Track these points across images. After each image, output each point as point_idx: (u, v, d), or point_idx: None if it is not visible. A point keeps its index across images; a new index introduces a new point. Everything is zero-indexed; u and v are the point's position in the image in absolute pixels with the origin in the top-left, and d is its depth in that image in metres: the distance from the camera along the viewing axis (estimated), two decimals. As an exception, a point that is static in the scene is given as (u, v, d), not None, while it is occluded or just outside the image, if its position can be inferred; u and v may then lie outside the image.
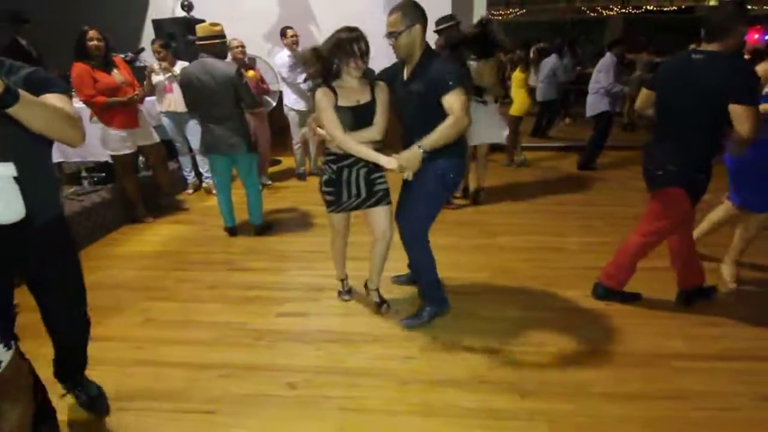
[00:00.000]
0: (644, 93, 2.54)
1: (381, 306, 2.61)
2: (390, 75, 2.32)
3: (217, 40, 3.36)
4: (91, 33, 3.45)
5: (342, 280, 2.78)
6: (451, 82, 2.01)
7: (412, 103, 2.20)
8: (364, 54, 2.09)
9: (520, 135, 5.88)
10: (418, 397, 1.97)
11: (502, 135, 4.28)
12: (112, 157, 3.80)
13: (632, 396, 1.95)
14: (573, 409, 1.89)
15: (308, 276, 3.04)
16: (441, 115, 2.05)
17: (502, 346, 2.28)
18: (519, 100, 5.55)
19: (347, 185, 2.31)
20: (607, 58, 5.18)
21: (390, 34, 2.11)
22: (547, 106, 7.24)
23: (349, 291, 2.79)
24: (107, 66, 3.58)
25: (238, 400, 1.97)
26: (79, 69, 3.41)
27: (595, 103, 5.23)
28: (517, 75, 5.54)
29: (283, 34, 4.80)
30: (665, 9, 15.02)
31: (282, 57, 4.79)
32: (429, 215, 2.35)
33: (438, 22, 4.10)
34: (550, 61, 6.87)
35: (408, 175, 2.08)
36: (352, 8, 5.96)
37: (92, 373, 2.16)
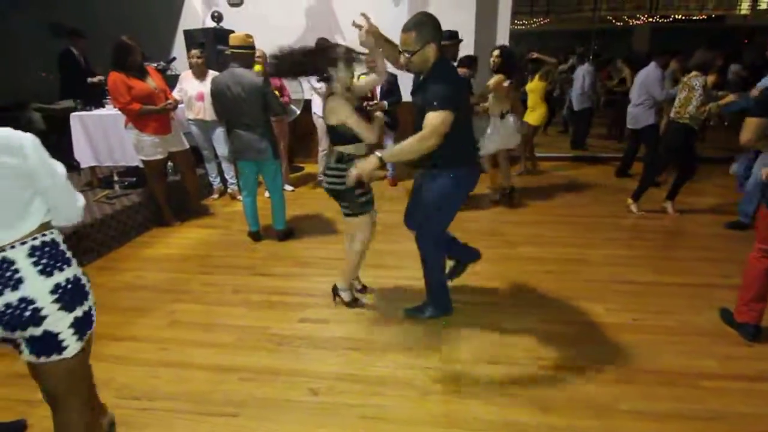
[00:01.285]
0: (755, 123, 2.32)
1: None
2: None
3: (249, 51, 3.49)
4: (125, 37, 3.62)
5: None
6: (435, 103, 2.07)
7: (416, 111, 2.27)
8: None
9: (532, 144, 5.82)
10: (440, 408, 1.95)
11: (513, 141, 4.42)
12: (144, 162, 3.92)
13: (662, 415, 1.90)
14: (598, 426, 1.84)
15: (330, 283, 3.04)
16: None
17: (524, 359, 2.25)
18: (538, 110, 5.49)
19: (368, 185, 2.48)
20: (653, 70, 4.88)
21: (404, 52, 2.18)
22: (580, 115, 7.13)
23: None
24: (141, 74, 3.72)
25: (261, 404, 1.99)
26: (115, 77, 3.56)
27: (639, 116, 4.98)
28: (536, 84, 5.47)
29: (317, 45, 4.90)
30: (694, 18, 14.72)
31: None
32: (440, 222, 2.40)
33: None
34: (584, 70, 6.76)
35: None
36: (378, 21, 6.01)
37: (119, 372, 2.23)
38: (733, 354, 2.28)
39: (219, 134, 4.55)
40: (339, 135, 2.41)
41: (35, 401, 2.03)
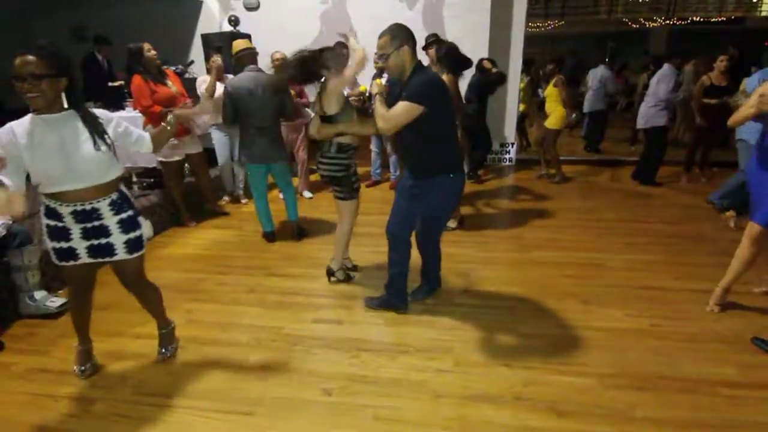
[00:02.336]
0: None
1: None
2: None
3: (253, 51, 3.66)
4: (147, 45, 3.71)
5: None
6: (404, 93, 2.24)
7: None
8: None
9: (554, 150, 5.74)
10: (453, 411, 1.95)
11: None
12: (162, 163, 4.00)
13: (679, 423, 1.86)
14: (614, 433, 1.82)
15: (343, 284, 3.07)
16: (420, 129, 2.27)
17: (540, 364, 2.23)
18: (556, 114, 5.44)
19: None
20: (666, 70, 5.03)
21: (380, 57, 2.31)
22: (593, 117, 7.07)
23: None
24: (161, 77, 3.82)
25: (276, 404, 2.01)
26: (138, 81, 3.66)
27: (652, 116, 5.06)
28: (551, 89, 5.45)
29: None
30: (712, 20, 14.46)
31: None
32: (401, 221, 2.53)
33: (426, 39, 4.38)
34: (599, 72, 6.71)
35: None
36: (390, 22, 6.04)
37: (137, 370, 2.28)
38: (753, 362, 2.23)
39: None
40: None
41: (57, 396, 2.09)
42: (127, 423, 1.94)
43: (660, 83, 5.01)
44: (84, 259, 1.94)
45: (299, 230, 3.93)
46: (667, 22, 14.66)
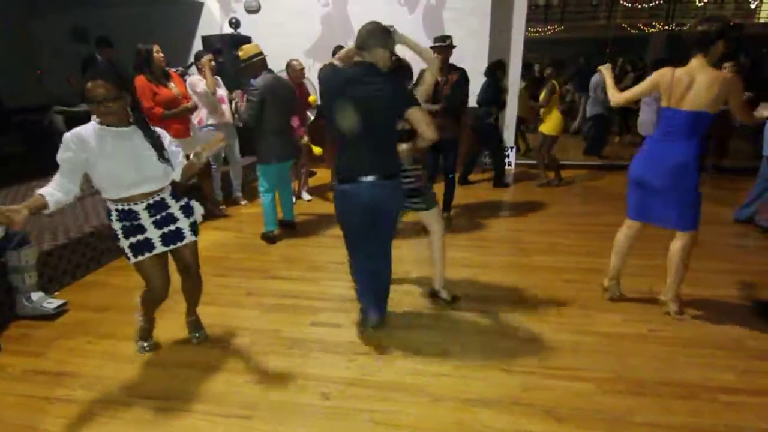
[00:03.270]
0: None
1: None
2: None
3: (263, 57, 3.66)
4: (156, 47, 3.75)
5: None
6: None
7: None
8: None
9: (553, 155, 5.76)
10: (451, 415, 1.94)
11: None
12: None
13: (677, 429, 1.86)
14: (613, 439, 1.82)
15: (341, 287, 3.06)
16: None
17: (538, 368, 2.22)
18: (550, 121, 5.45)
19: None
20: None
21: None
22: (592, 122, 7.07)
23: None
24: (166, 79, 3.84)
25: (273, 407, 2.00)
26: (141, 82, 3.68)
27: (646, 123, 5.12)
28: (544, 96, 5.45)
29: (335, 54, 4.96)
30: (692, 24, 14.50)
31: None
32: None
33: (435, 40, 4.19)
34: (598, 77, 6.72)
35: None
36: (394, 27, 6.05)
37: (135, 372, 2.26)
38: (751, 368, 2.23)
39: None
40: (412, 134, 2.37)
41: (53, 398, 2.08)
42: (122, 425, 1.93)
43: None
44: (158, 248, 2.12)
45: (291, 224, 4.08)
46: (666, 27, 14.73)
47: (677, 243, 2.58)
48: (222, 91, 4.46)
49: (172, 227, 2.15)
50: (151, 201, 2.07)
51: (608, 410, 1.96)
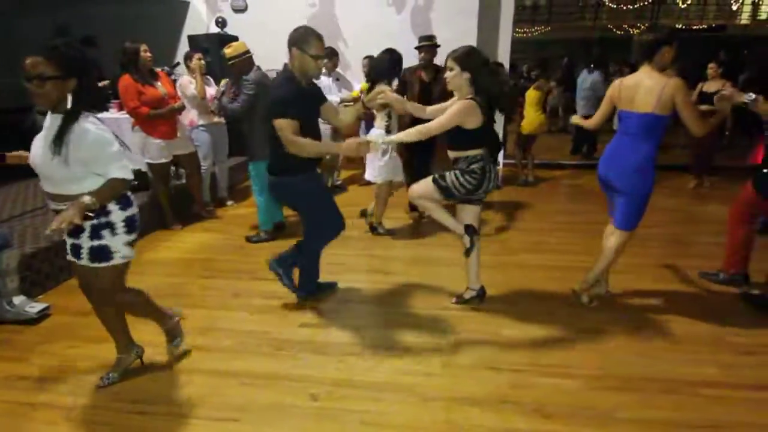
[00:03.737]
0: None
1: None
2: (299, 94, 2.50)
3: (249, 53, 3.66)
4: (143, 46, 3.71)
5: None
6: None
7: None
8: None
9: (529, 153, 5.80)
10: (441, 414, 1.95)
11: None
12: (149, 165, 3.95)
13: (662, 423, 1.89)
14: (599, 435, 1.84)
15: (349, 291, 3.06)
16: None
17: (526, 366, 2.24)
18: (529, 118, 5.47)
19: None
20: None
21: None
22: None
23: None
24: (153, 78, 3.79)
25: (261, 409, 1.99)
26: (126, 81, 3.63)
27: None
28: (530, 93, 5.50)
29: (327, 57, 4.93)
30: (695, 27, 14.79)
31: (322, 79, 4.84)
32: None
33: (420, 40, 4.16)
34: (590, 77, 6.75)
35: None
36: (382, 28, 6.10)
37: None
38: (735, 362, 2.27)
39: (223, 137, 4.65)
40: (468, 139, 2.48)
41: (36, 404, 2.04)
42: (108, 431, 1.90)
43: None
44: (69, 255, 1.96)
45: (281, 225, 4.05)
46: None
47: (611, 239, 2.69)
48: (212, 91, 4.40)
49: (76, 241, 1.89)
50: (59, 208, 1.79)
51: (595, 406, 1.98)
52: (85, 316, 2.78)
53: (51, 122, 1.78)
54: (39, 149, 1.78)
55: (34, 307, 2.74)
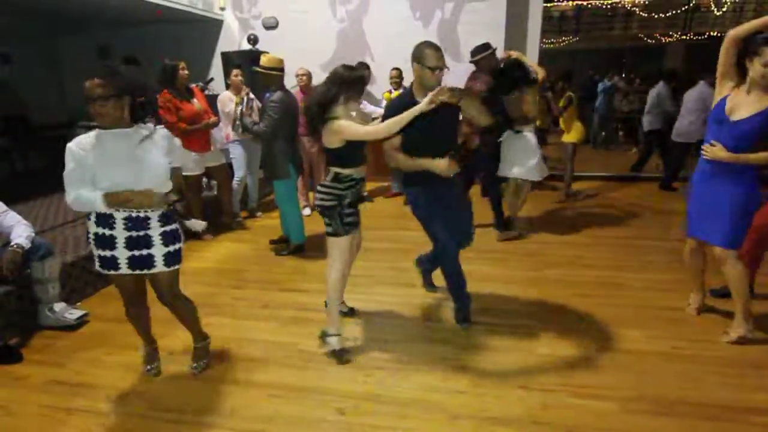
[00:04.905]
0: None
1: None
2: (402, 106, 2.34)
3: (281, 73, 3.68)
4: (182, 64, 3.89)
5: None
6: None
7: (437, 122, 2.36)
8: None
9: (572, 163, 5.65)
10: (469, 433, 1.90)
11: (533, 173, 3.99)
12: (184, 176, 4.07)
13: (706, 452, 1.79)
14: (638, 461, 1.75)
15: (357, 300, 3.04)
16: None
17: (558, 386, 2.17)
18: (576, 128, 5.35)
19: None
20: (703, 88, 5.37)
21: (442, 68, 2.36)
22: (651, 136, 6.55)
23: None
24: (189, 95, 3.97)
25: (289, 422, 1.99)
26: (165, 97, 3.80)
27: (693, 131, 5.37)
28: (562, 104, 5.39)
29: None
30: (732, 35, 14.27)
31: None
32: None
33: (473, 53, 4.19)
34: (657, 90, 6.32)
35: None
36: (409, 41, 6.09)
37: (154, 384, 2.28)
38: (785, 389, 2.14)
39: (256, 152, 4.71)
40: (339, 156, 2.35)
41: (72, 409, 2.10)
42: (140, 438, 1.94)
43: (697, 101, 5.37)
44: (123, 269, 2.03)
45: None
46: (683, 37, 14.56)
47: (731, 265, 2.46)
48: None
49: (144, 252, 2.00)
50: (133, 214, 1.96)
51: (631, 431, 1.90)
52: (121, 323, 2.85)
53: (124, 137, 1.93)
54: (142, 159, 1.94)
55: (73, 314, 2.85)
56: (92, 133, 1.93)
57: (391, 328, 2.73)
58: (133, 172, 1.91)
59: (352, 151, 2.35)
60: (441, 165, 2.36)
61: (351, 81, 2.32)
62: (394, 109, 2.35)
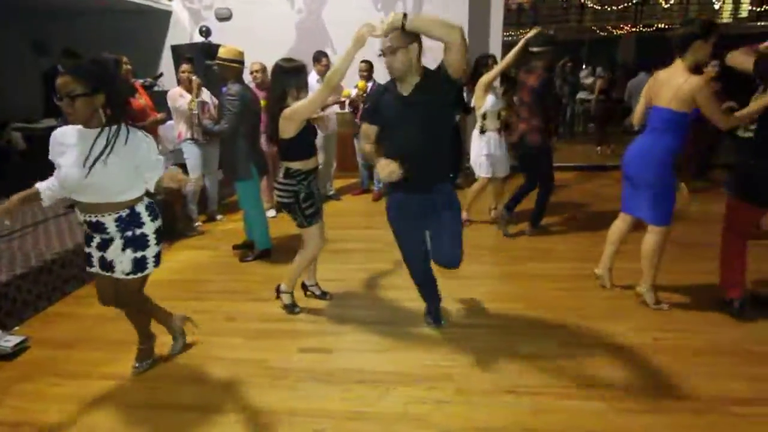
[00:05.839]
0: None
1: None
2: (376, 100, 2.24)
3: (240, 65, 3.40)
4: (124, 58, 3.62)
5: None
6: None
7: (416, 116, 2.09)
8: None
9: None
10: (459, 448, 1.79)
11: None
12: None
13: (699, 449, 1.75)
14: (633, 465, 1.69)
15: (331, 307, 2.88)
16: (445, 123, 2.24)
17: (546, 388, 2.09)
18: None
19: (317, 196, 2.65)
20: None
21: (386, 49, 2.05)
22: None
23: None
24: (131, 91, 3.68)
25: (262, 451, 1.81)
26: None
27: None
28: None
29: (316, 59, 4.80)
30: (677, 27, 14.93)
31: (311, 80, 4.69)
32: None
33: (537, 43, 3.68)
34: (644, 80, 6.37)
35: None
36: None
37: (102, 416, 2.02)
38: (761, 375, 2.15)
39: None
40: (289, 150, 2.51)
41: None
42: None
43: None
44: (96, 268, 2.02)
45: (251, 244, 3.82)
46: (634, 29, 15.09)
47: (648, 238, 2.69)
48: (207, 98, 4.16)
49: (106, 255, 1.97)
50: (89, 218, 1.91)
51: (624, 430, 1.84)
52: (67, 348, 2.59)
53: (82, 136, 1.84)
54: (96, 170, 1.80)
55: (10, 341, 2.53)
56: (73, 126, 1.87)
57: (367, 337, 2.57)
58: (79, 177, 1.81)
59: (300, 144, 2.48)
60: (381, 165, 2.05)
61: (293, 71, 2.42)
62: (375, 95, 2.30)
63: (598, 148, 7.65)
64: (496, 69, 3.78)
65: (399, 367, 2.27)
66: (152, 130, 3.78)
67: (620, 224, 2.88)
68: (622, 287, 2.98)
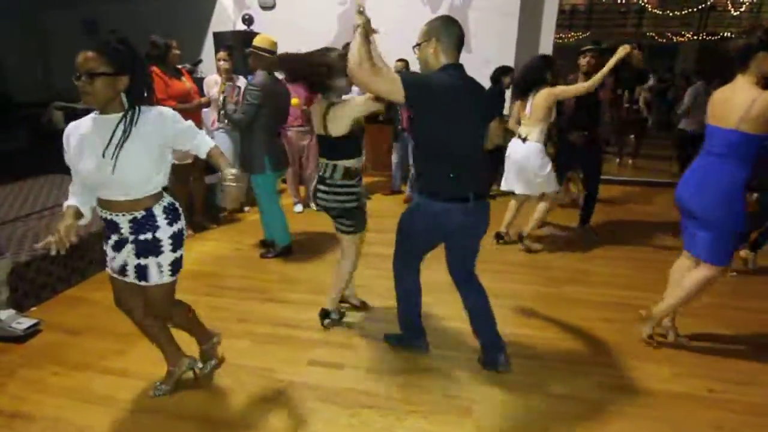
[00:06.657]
0: None
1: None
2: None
3: (271, 55, 3.24)
4: (175, 43, 3.59)
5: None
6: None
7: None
8: None
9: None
10: (473, 500, 1.57)
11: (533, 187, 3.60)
12: (174, 166, 3.69)
13: None
14: None
15: (348, 316, 2.71)
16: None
17: (578, 437, 1.83)
18: None
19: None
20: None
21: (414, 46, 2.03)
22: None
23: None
24: (177, 74, 3.68)
25: (254, 478, 1.65)
26: (156, 72, 3.46)
27: None
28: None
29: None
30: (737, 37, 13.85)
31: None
32: (399, 250, 2.19)
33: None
34: (698, 89, 5.52)
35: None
36: (416, 27, 5.71)
37: (98, 418, 1.92)
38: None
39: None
40: (345, 147, 2.26)
41: None
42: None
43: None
44: (112, 270, 1.83)
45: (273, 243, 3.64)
46: (696, 37, 14.14)
47: (697, 271, 2.31)
48: (241, 85, 4.10)
49: (119, 257, 1.77)
50: (107, 216, 1.71)
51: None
52: (76, 335, 2.54)
53: (99, 125, 1.63)
54: (108, 159, 1.59)
55: (22, 324, 2.50)
56: (87, 118, 1.66)
57: (383, 354, 2.38)
58: (97, 170, 1.61)
59: (357, 139, 2.29)
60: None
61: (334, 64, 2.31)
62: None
63: (630, 161, 7.41)
64: (588, 84, 3.36)
65: (414, 395, 2.07)
66: (196, 114, 3.74)
67: (685, 262, 2.44)
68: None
